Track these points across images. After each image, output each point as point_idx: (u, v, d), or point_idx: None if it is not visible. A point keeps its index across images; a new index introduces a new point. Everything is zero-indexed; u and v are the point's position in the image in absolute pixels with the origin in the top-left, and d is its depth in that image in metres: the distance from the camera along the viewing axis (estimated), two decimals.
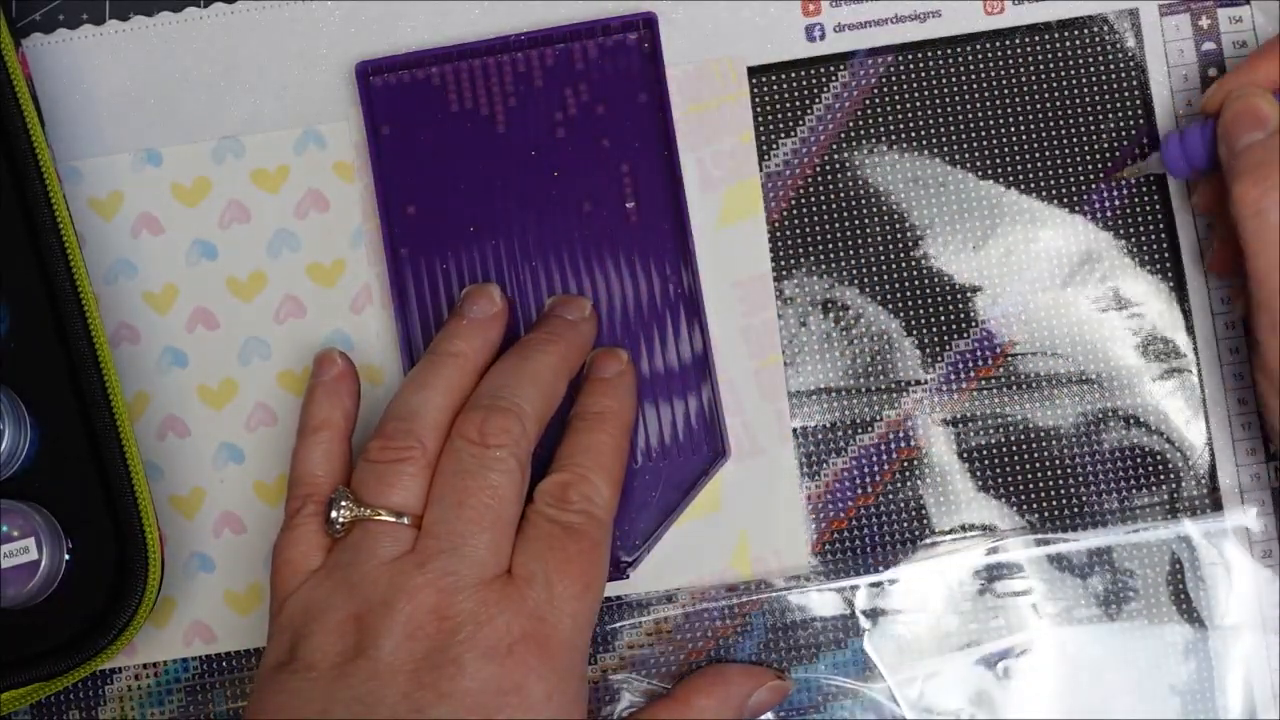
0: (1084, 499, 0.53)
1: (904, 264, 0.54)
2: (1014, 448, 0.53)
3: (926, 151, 0.54)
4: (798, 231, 0.54)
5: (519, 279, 0.54)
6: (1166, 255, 0.54)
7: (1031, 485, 0.53)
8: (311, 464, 0.50)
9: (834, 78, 0.55)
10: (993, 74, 0.54)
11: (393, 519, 0.47)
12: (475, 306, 0.52)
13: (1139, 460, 0.53)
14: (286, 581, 0.48)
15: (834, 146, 0.55)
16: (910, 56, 0.55)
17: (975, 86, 0.54)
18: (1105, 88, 0.54)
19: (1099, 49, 0.54)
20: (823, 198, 0.55)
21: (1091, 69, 0.54)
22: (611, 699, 0.54)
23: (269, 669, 0.47)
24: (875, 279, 0.54)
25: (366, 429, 0.50)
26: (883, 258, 0.54)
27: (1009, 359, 0.54)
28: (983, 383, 0.54)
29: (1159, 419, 0.53)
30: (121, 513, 0.52)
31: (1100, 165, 0.54)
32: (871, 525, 0.54)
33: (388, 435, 0.48)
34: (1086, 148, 0.54)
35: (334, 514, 0.48)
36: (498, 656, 0.45)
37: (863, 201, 0.54)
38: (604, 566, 0.48)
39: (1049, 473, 0.53)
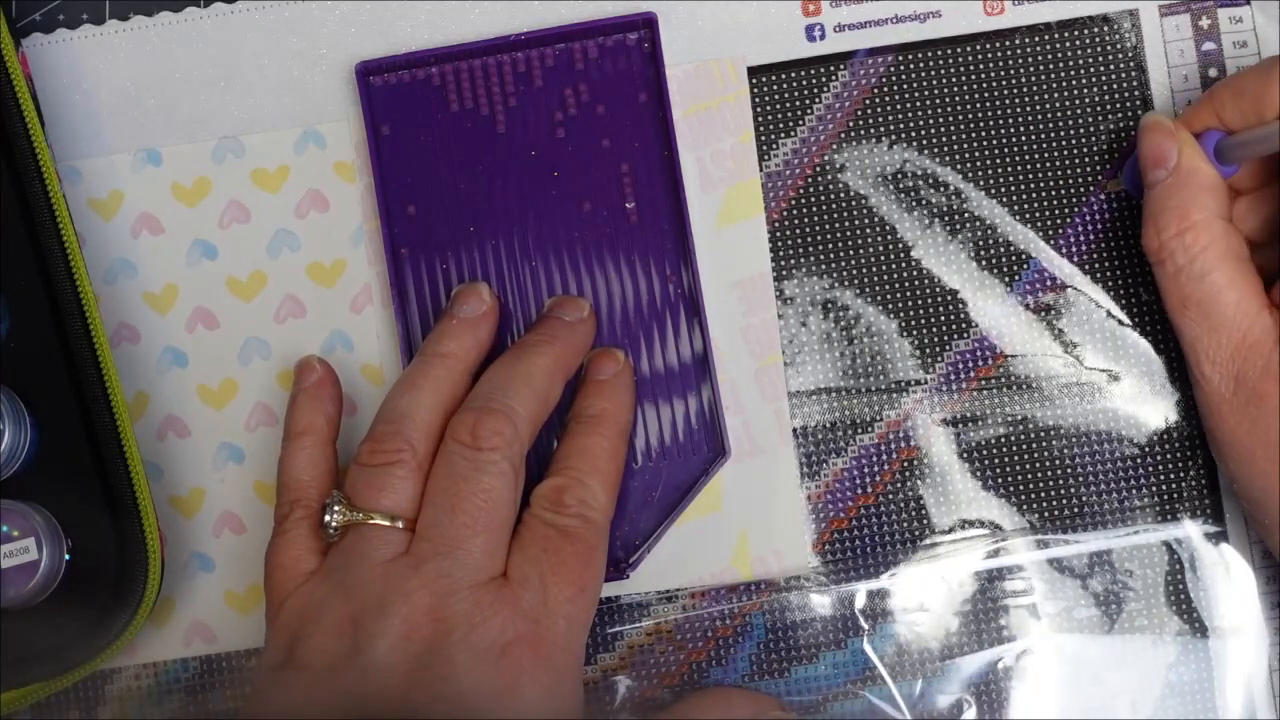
0: (1084, 499, 0.53)
1: (904, 264, 0.54)
2: (1014, 448, 0.53)
3: (926, 151, 0.54)
4: (798, 231, 0.54)
5: (519, 279, 0.54)
6: None
7: (1031, 486, 0.53)
8: (297, 469, 0.50)
9: (834, 78, 0.55)
10: (993, 74, 0.54)
11: (386, 522, 0.47)
12: (464, 306, 0.52)
13: (1138, 461, 0.53)
14: (281, 586, 0.48)
15: (834, 146, 0.55)
16: (910, 56, 0.55)
17: (975, 86, 0.54)
18: (1105, 88, 0.54)
19: (1099, 49, 0.54)
20: (823, 198, 0.55)
21: (1091, 69, 0.54)
22: (611, 698, 0.54)
23: (266, 670, 0.47)
24: (875, 279, 0.54)
25: (364, 429, 0.50)
26: (883, 258, 0.54)
27: (1008, 359, 0.54)
28: (982, 383, 0.54)
29: (1158, 419, 0.53)
30: (121, 513, 0.52)
31: (1100, 166, 0.54)
32: (871, 525, 0.54)
33: (377, 438, 0.48)
34: (1087, 148, 0.54)
35: (327, 518, 0.48)
36: (492, 658, 0.45)
37: (863, 201, 0.54)
38: (600, 570, 0.48)
39: (1049, 473, 0.53)
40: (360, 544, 0.47)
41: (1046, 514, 0.53)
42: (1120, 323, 0.54)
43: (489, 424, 0.48)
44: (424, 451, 0.48)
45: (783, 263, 0.54)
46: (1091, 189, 0.54)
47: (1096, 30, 0.54)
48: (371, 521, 0.47)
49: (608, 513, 0.49)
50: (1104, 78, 0.54)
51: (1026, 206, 0.54)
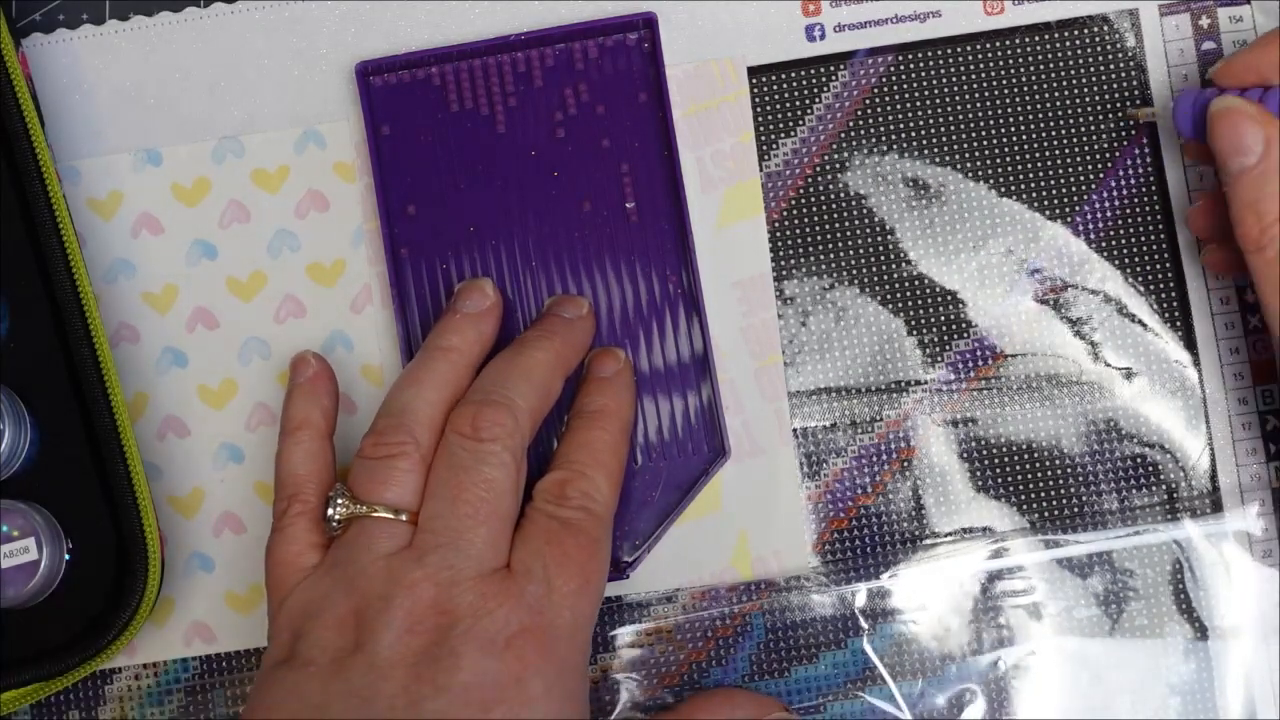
0: (1084, 500, 0.53)
1: (904, 264, 0.54)
2: (1014, 448, 0.53)
3: (926, 151, 0.54)
4: (798, 231, 0.54)
5: (519, 279, 0.54)
6: (1165, 255, 0.54)
7: (1031, 485, 0.53)
8: (294, 464, 0.50)
9: (834, 78, 0.55)
10: (993, 74, 0.54)
11: (389, 515, 0.47)
12: (468, 301, 0.52)
13: (1139, 460, 0.53)
14: (283, 581, 0.48)
15: (834, 146, 0.55)
16: (910, 56, 0.55)
17: (975, 86, 0.54)
18: (1105, 88, 0.54)
19: (1099, 49, 0.54)
20: (823, 198, 0.55)
21: (1091, 69, 0.54)
22: (612, 698, 0.54)
23: (269, 666, 0.47)
24: (875, 279, 0.54)
25: (364, 429, 0.50)
26: (883, 258, 0.54)
27: (1008, 359, 0.54)
28: (983, 383, 0.54)
29: (1159, 419, 0.53)
30: (121, 513, 0.52)
31: (1100, 166, 0.54)
32: (871, 525, 0.54)
33: (380, 431, 0.49)
34: (1086, 148, 0.54)
35: (330, 511, 0.48)
36: (495, 650, 0.45)
37: (863, 201, 0.54)
38: (604, 563, 0.48)
39: (1049, 473, 0.53)
40: (363, 537, 0.47)
41: (1047, 514, 0.53)
42: (1131, 319, 0.53)
43: (489, 415, 0.48)
44: (427, 445, 0.48)
45: (783, 263, 0.54)
46: (1092, 187, 0.54)
47: (1096, 30, 0.54)
48: (374, 514, 0.47)
49: (611, 506, 0.49)
50: (1104, 77, 0.54)
51: (1026, 206, 0.54)
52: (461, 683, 0.45)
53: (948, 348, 0.54)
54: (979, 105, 0.54)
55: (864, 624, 0.53)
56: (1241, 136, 0.48)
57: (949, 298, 0.54)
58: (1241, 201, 0.48)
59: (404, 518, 0.47)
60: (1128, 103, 0.54)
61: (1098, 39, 0.54)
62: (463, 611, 0.46)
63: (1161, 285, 0.54)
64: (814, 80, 0.55)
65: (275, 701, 0.46)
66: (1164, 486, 0.53)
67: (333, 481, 0.50)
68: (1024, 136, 0.54)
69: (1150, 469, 0.53)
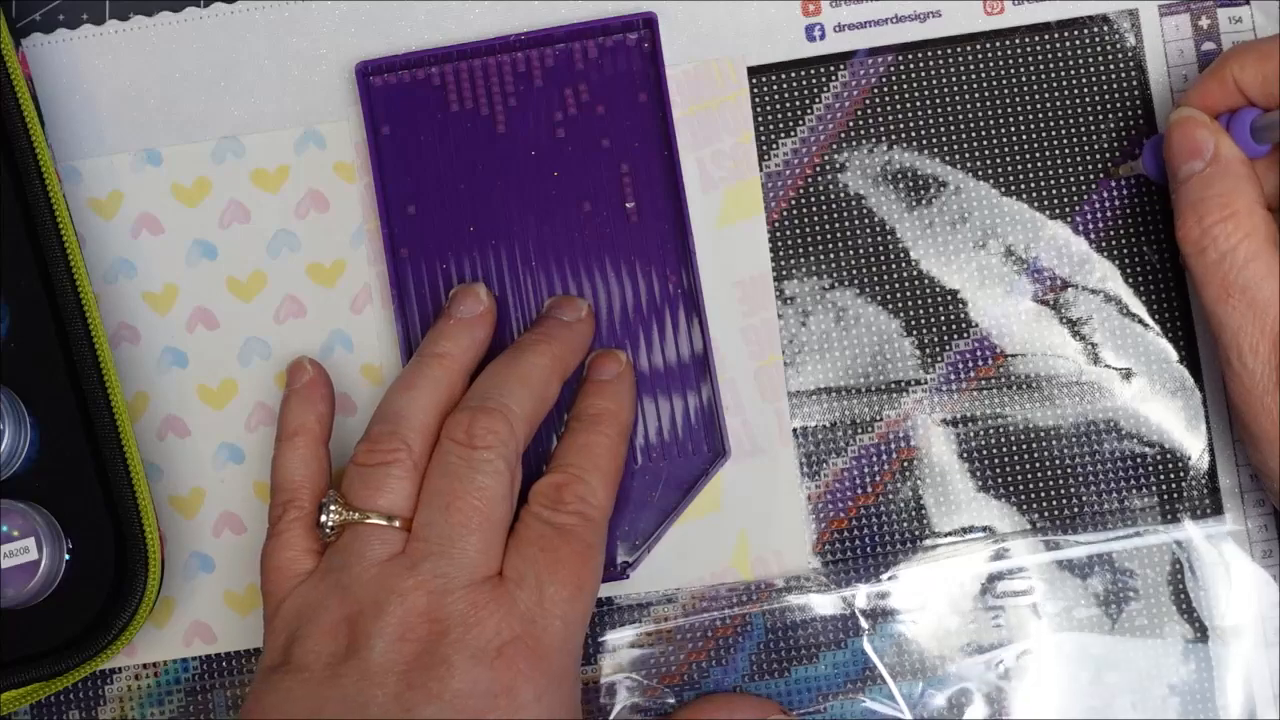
0: (1084, 500, 0.53)
1: (903, 264, 0.54)
2: (1014, 448, 0.53)
3: (926, 152, 0.54)
4: (798, 231, 0.54)
5: (519, 279, 0.54)
6: (1166, 255, 0.54)
7: (1031, 486, 0.53)
8: (290, 470, 0.50)
9: (834, 78, 0.55)
10: (993, 74, 0.54)
11: (382, 522, 0.47)
12: (462, 306, 0.52)
13: (1139, 461, 0.53)
14: (279, 586, 0.48)
15: (834, 146, 0.55)
16: (910, 56, 0.55)
17: (975, 86, 0.54)
18: (1105, 88, 0.54)
19: (1099, 49, 0.54)
20: (823, 198, 0.55)
21: (1091, 69, 0.54)
22: (611, 699, 0.54)
23: (264, 671, 0.47)
24: (875, 279, 0.54)
25: (363, 430, 0.50)
26: (883, 258, 0.54)
27: (1008, 359, 0.54)
28: (982, 383, 0.54)
29: (1159, 419, 0.53)
30: (121, 513, 0.52)
31: (1100, 166, 0.54)
32: (871, 525, 0.54)
33: (373, 438, 0.49)
34: (1086, 148, 0.54)
35: (324, 518, 0.48)
36: (487, 658, 0.45)
37: (863, 201, 0.54)
38: (597, 569, 0.48)
39: (1049, 473, 0.53)
40: (356, 543, 0.47)
41: (1047, 514, 0.53)
42: (1131, 319, 0.53)
43: (484, 423, 0.48)
44: (420, 451, 0.48)
45: (783, 263, 0.54)
46: (1092, 188, 0.54)
47: (1096, 30, 0.54)
48: (368, 521, 0.47)
49: (607, 510, 0.49)
50: (1103, 78, 0.54)
51: (1026, 206, 0.54)
52: (453, 690, 0.45)
53: (948, 348, 0.54)
54: (979, 105, 0.54)
55: (864, 624, 0.53)
56: (1194, 141, 0.48)
57: (949, 298, 0.54)
58: (1185, 203, 0.48)
59: (397, 524, 0.47)
60: (1110, 161, 0.54)
61: (1098, 39, 0.54)
62: (454, 620, 0.46)
63: (1161, 285, 0.54)
64: (814, 80, 0.55)
65: (270, 706, 0.46)
66: (1164, 487, 0.53)
67: (328, 487, 0.50)
68: (1024, 136, 0.54)
69: (1150, 469, 0.53)
